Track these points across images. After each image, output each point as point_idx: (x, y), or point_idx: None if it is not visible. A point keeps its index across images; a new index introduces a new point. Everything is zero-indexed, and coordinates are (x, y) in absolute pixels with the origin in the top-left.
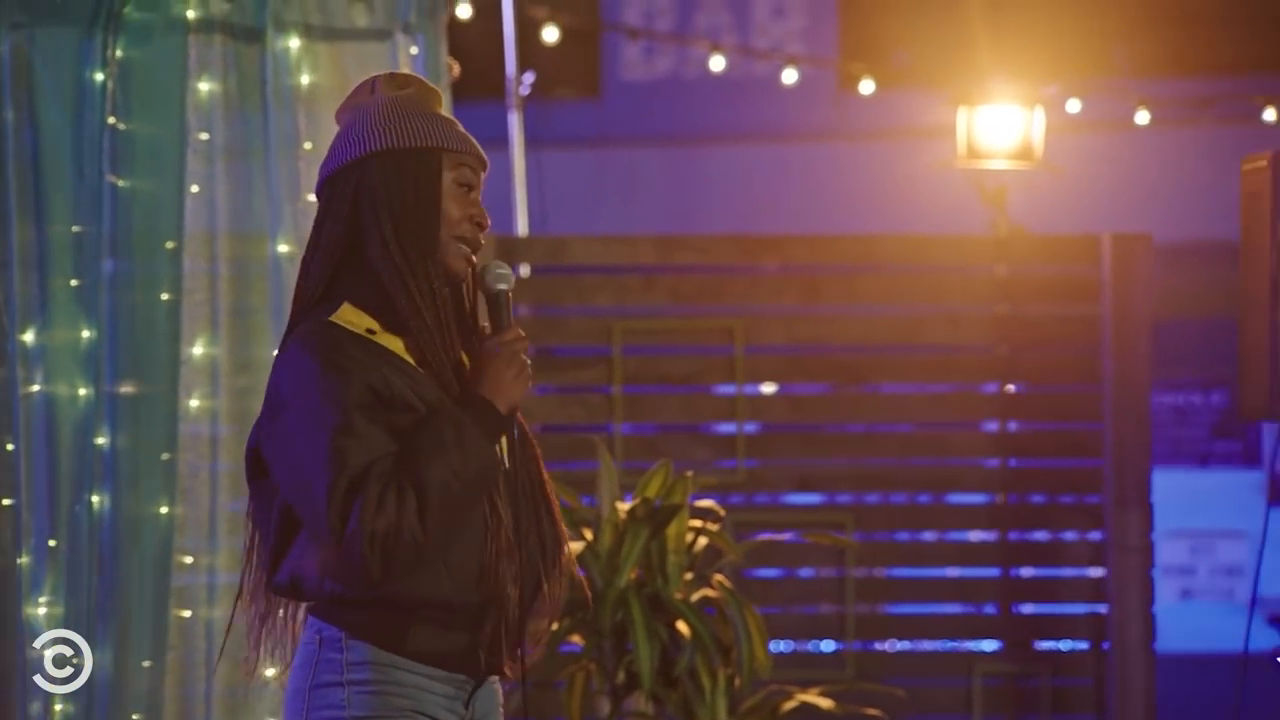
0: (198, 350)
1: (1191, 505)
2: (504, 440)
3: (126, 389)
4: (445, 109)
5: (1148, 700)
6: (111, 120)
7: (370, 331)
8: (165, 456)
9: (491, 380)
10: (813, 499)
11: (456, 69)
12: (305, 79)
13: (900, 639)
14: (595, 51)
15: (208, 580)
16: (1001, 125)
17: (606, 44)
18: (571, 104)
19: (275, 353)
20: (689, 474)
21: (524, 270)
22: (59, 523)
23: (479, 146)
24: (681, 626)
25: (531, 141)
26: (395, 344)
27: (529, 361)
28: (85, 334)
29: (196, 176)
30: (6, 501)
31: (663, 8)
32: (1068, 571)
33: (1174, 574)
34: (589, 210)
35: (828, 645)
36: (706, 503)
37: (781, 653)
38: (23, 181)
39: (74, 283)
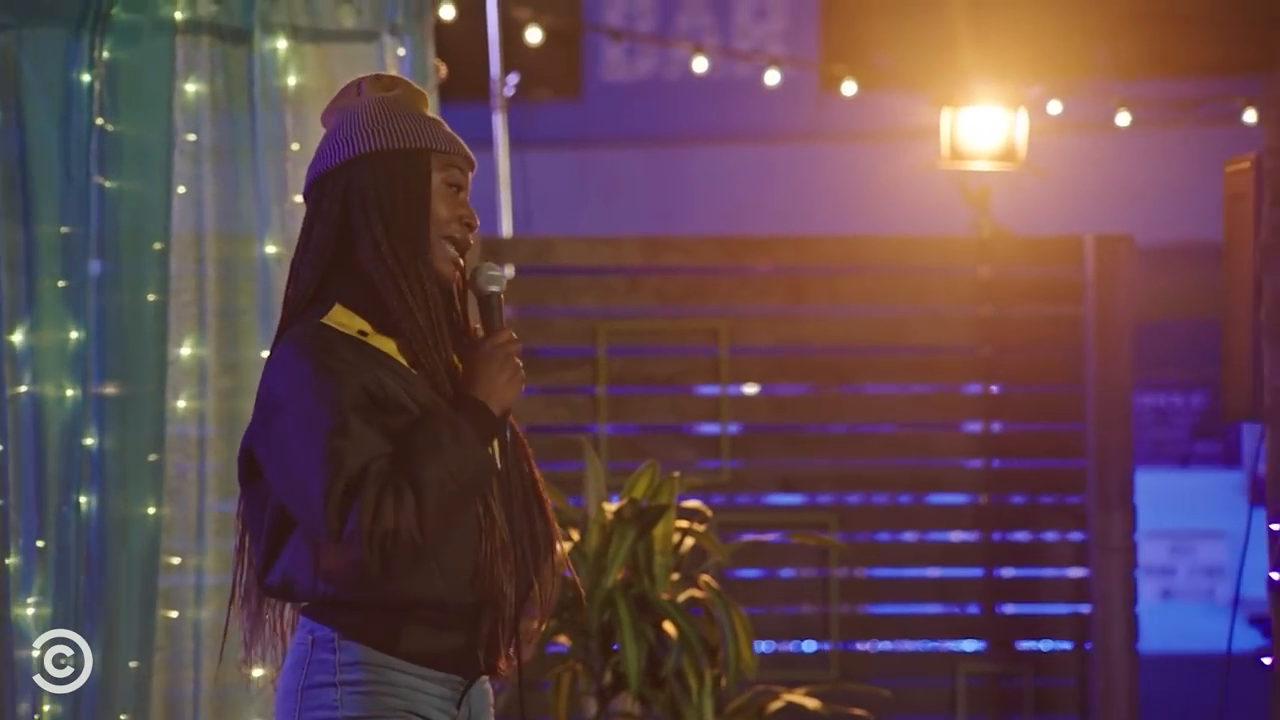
0: (185, 351)
1: (1172, 506)
2: (496, 441)
3: (114, 390)
4: (432, 110)
5: (1130, 700)
6: (99, 121)
7: (362, 333)
8: (153, 457)
9: (485, 382)
10: (795, 499)
11: (444, 70)
12: (292, 80)
13: (884, 639)
14: (577, 53)
15: (195, 581)
16: (985, 127)
17: (588, 45)
18: (553, 105)
19: (263, 354)
20: (676, 475)
21: (509, 271)
22: (47, 523)
23: (466, 147)
24: (668, 627)
25: (514, 142)
26: (387, 345)
27: (521, 364)
28: (73, 335)
29: (184, 177)
30: None
31: (644, 9)
32: (1051, 572)
33: (1154, 574)
34: (571, 211)
35: (808, 646)
36: (693, 503)
37: (765, 653)
38: (10, 182)
39: (61, 283)
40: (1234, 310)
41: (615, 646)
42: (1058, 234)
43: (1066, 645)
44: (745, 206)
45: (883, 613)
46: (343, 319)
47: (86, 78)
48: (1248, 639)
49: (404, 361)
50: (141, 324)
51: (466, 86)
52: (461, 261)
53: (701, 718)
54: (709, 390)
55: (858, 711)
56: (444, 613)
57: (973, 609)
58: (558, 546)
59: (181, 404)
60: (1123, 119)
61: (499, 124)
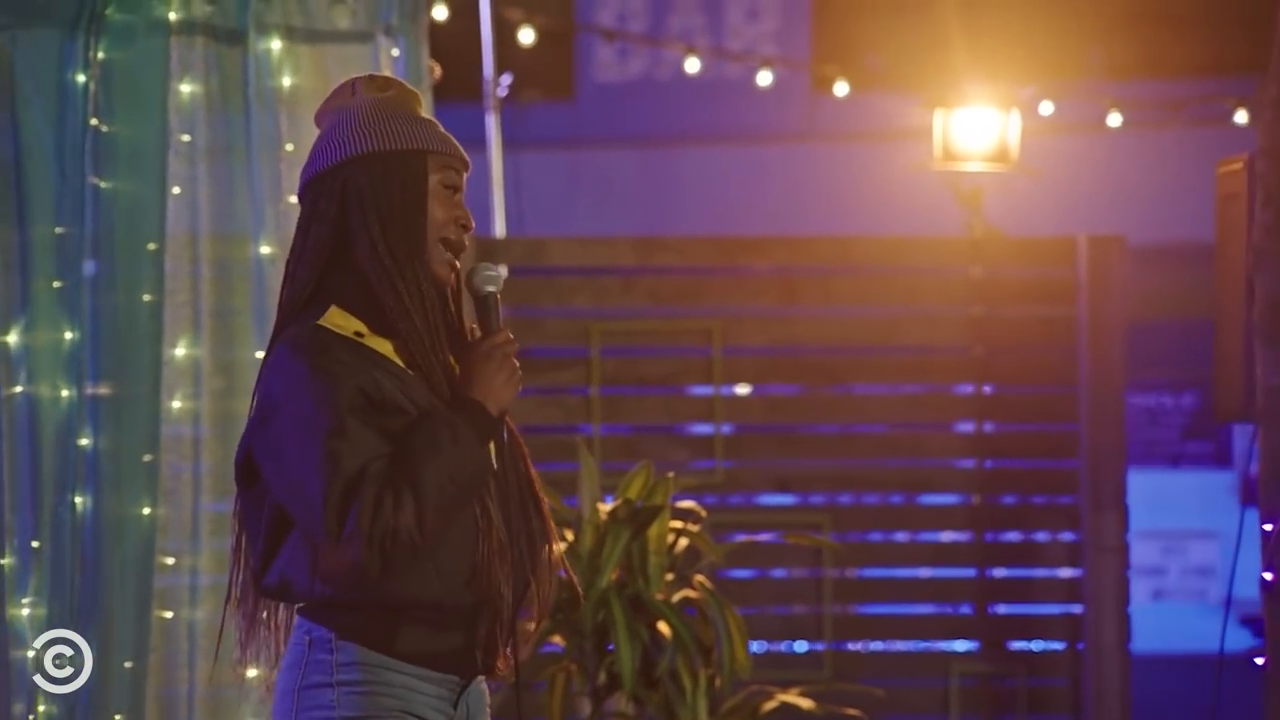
0: (180, 351)
1: (1163, 506)
2: (493, 441)
3: (108, 390)
4: (427, 111)
5: (1123, 701)
6: (93, 122)
7: (359, 334)
8: (147, 458)
9: (483, 383)
10: (787, 500)
11: (438, 71)
12: (287, 81)
13: (877, 639)
14: (569, 53)
15: (190, 581)
16: (977, 127)
17: (580, 46)
18: (546, 106)
19: (258, 355)
20: (670, 475)
21: (503, 271)
22: (42, 524)
23: (461, 149)
24: (663, 627)
25: (507, 143)
26: (384, 346)
27: (518, 365)
28: (68, 335)
29: (178, 178)
30: None
31: (636, 10)
32: (1043, 572)
33: (1146, 574)
34: (563, 212)
35: (801, 646)
36: (688, 504)
37: (758, 653)
38: (4, 183)
39: (56, 284)
40: (1226, 311)
41: (610, 647)
42: (1050, 235)
43: (1059, 645)
44: (737, 207)
45: (876, 613)
46: (339, 320)
47: (81, 78)
48: (1239, 639)
49: (400, 363)
50: (136, 324)
51: (458, 87)
52: (457, 263)
53: (696, 718)
54: (701, 390)
55: (851, 711)
56: (441, 613)
57: (966, 609)
58: (555, 545)
59: (176, 404)
60: (1114, 120)
61: (492, 125)
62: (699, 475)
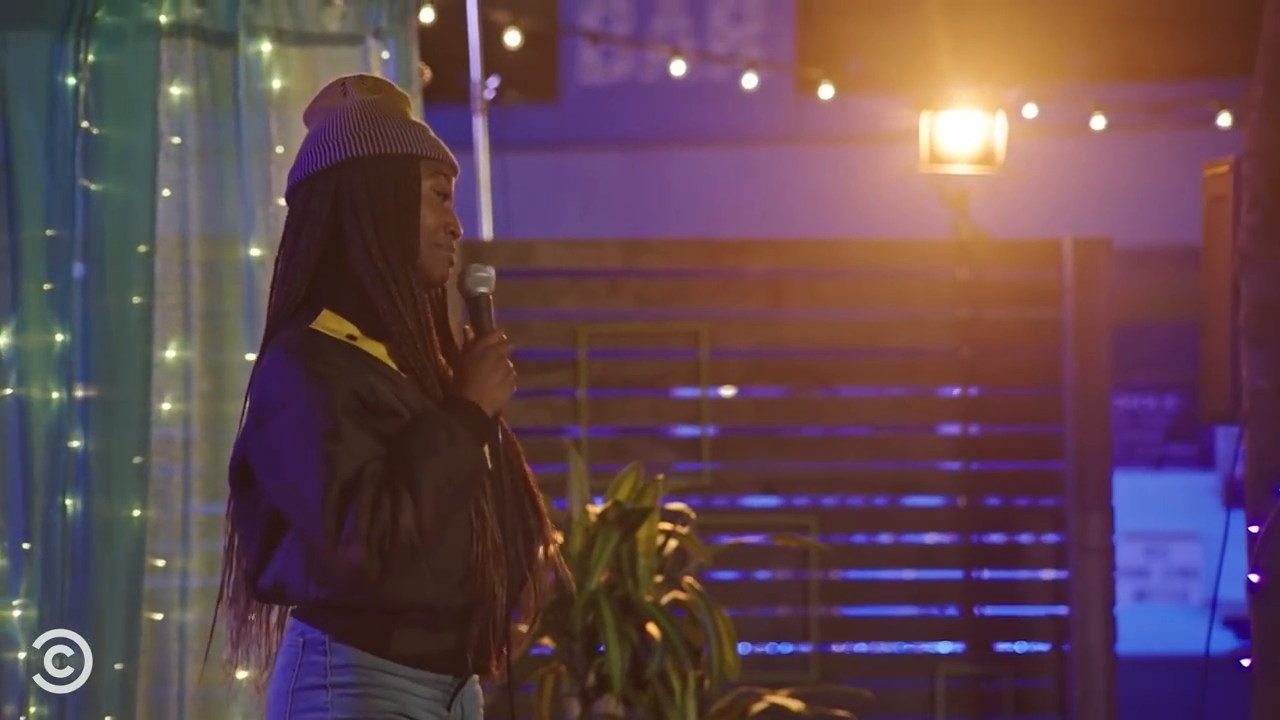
0: (170, 354)
1: (1146, 508)
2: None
3: (99, 392)
4: (416, 113)
5: (1109, 702)
6: (84, 124)
7: (351, 337)
8: (137, 460)
9: (477, 383)
10: (772, 502)
11: (428, 73)
12: (277, 83)
13: (864, 641)
14: (553, 56)
15: (180, 583)
16: (963, 130)
17: (564, 48)
18: (530, 108)
19: (248, 357)
20: (660, 477)
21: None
22: (33, 525)
23: (451, 154)
24: (652, 629)
25: (494, 145)
26: (377, 350)
27: (512, 365)
28: (58, 337)
29: (168, 180)
30: None
31: (620, 12)
32: (1029, 574)
33: (1129, 576)
34: (548, 214)
35: (787, 647)
36: (677, 506)
37: (744, 655)
38: None
39: (46, 286)
40: (1212, 313)
41: (599, 648)
42: (1036, 237)
43: (1045, 647)
44: (723, 209)
45: (862, 615)
46: (332, 324)
47: (71, 81)
48: (1223, 641)
49: (394, 366)
50: (126, 326)
51: (444, 89)
52: (453, 261)
53: (685, 719)
54: (687, 393)
55: (840, 713)
56: (435, 614)
57: (952, 611)
58: (551, 543)
59: (166, 406)
60: (1098, 123)
61: (479, 127)
62: (686, 477)
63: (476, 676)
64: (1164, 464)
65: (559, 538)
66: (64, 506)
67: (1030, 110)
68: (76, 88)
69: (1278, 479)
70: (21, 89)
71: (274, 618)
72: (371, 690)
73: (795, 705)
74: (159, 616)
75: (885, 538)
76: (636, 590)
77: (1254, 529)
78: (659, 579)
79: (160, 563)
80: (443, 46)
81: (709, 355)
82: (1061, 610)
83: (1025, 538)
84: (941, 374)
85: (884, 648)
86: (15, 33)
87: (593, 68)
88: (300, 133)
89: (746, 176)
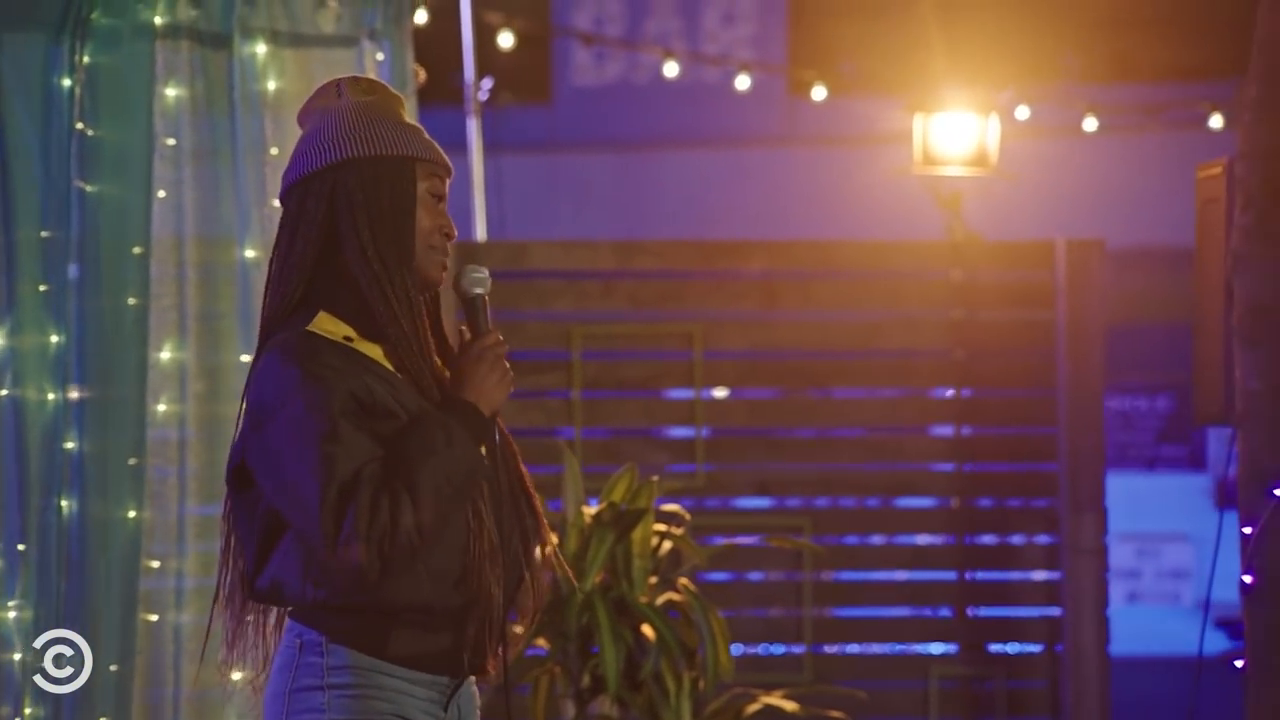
0: (165, 355)
1: (1138, 509)
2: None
3: (94, 393)
4: (411, 115)
5: (1102, 703)
6: (79, 126)
7: (348, 339)
8: (133, 461)
9: (475, 384)
10: (764, 503)
11: (422, 75)
12: (272, 84)
13: (857, 642)
14: (546, 57)
15: (175, 584)
16: (957, 132)
17: (557, 50)
18: (523, 109)
19: (243, 358)
20: (655, 479)
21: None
22: (29, 527)
23: (445, 156)
24: (646, 630)
25: (487, 147)
26: (374, 351)
27: (509, 365)
28: (53, 339)
29: (164, 181)
30: None
31: (613, 14)
32: (1022, 575)
33: (1121, 577)
34: (540, 216)
35: (777, 649)
36: (672, 507)
37: (738, 656)
38: None
39: (42, 287)
40: (1205, 314)
41: (594, 649)
42: (1030, 238)
43: (1038, 648)
44: (716, 211)
45: (856, 616)
46: (328, 325)
47: (67, 82)
48: (1215, 642)
49: (390, 367)
50: (122, 328)
51: (437, 90)
52: (446, 265)
53: None
54: (680, 394)
55: (834, 714)
56: (432, 616)
57: (945, 612)
58: (548, 542)
59: (161, 408)
60: (1090, 124)
61: (473, 128)
62: (680, 478)
63: (473, 678)
64: (1155, 465)
65: (553, 538)
66: (59, 508)
67: (1023, 112)
68: (71, 89)
69: (1271, 480)
70: (16, 90)
71: (271, 619)
72: (368, 691)
73: (790, 706)
74: (154, 617)
75: (879, 539)
76: (631, 591)
77: (1247, 530)
78: (654, 580)
79: (155, 564)
80: (436, 48)
81: (703, 356)
82: (1054, 611)
83: (1018, 539)
84: (935, 375)
85: (877, 649)
86: (10, 34)
87: (585, 69)
88: (295, 134)
89: (740, 178)
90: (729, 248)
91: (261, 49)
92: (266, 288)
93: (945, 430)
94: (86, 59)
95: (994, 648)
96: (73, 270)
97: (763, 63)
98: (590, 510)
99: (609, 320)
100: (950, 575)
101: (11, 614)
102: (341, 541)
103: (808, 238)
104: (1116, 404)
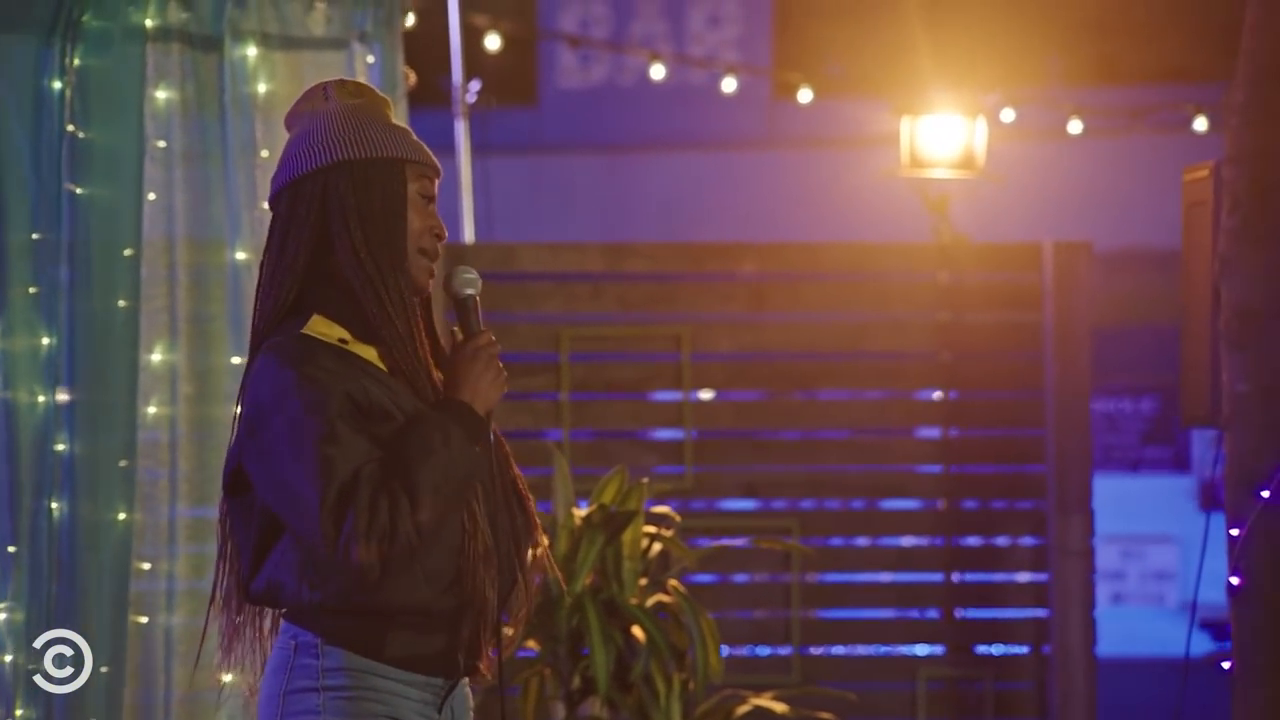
0: (156, 357)
1: (1123, 511)
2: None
3: (85, 396)
4: (402, 117)
5: (1089, 704)
6: (70, 128)
7: (343, 341)
8: (123, 463)
9: (469, 384)
10: (750, 504)
11: (413, 77)
12: (262, 87)
13: (845, 644)
14: (532, 59)
15: (166, 586)
16: (944, 135)
17: (543, 52)
18: (508, 112)
19: (234, 360)
20: (645, 480)
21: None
22: (20, 529)
23: (434, 157)
24: (636, 632)
25: (474, 149)
26: (368, 353)
27: (503, 366)
28: (44, 341)
29: (154, 184)
30: None
31: (599, 16)
32: (1009, 576)
33: (1105, 579)
34: (526, 218)
35: (763, 650)
36: (662, 509)
37: (725, 657)
38: None
39: (32, 290)
40: (1192, 317)
41: (584, 651)
42: (1017, 240)
43: (1025, 649)
44: (702, 213)
45: (843, 617)
46: (322, 328)
47: (57, 85)
48: (1199, 643)
49: (384, 369)
50: (112, 330)
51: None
52: (434, 271)
53: None
54: (668, 396)
55: (823, 715)
56: (428, 617)
57: (933, 613)
58: (540, 543)
59: (152, 410)
60: (1075, 127)
61: (461, 131)
62: (668, 480)
63: (466, 679)
64: (1140, 467)
65: (545, 540)
66: (50, 510)
67: (1008, 114)
68: (62, 92)
69: (1258, 482)
70: (7, 93)
71: (265, 622)
72: (364, 693)
73: (779, 708)
74: (144, 620)
75: (867, 540)
76: (621, 593)
77: (1235, 532)
78: (643, 582)
79: (146, 566)
80: (422, 50)
81: (691, 358)
82: (1041, 613)
83: (1005, 540)
84: (922, 377)
85: (865, 650)
86: (1, 36)
87: (571, 71)
88: (285, 137)
89: (726, 180)
90: (718, 250)
91: (252, 52)
92: (258, 292)
93: (932, 432)
94: (77, 61)
95: (981, 649)
96: (63, 272)
97: (748, 65)
98: (580, 512)
99: (597, 322)
100: (937, 577)
101: (2, 616)
102: (342, 543)
103: (795, 240)
104: (1101, 406)
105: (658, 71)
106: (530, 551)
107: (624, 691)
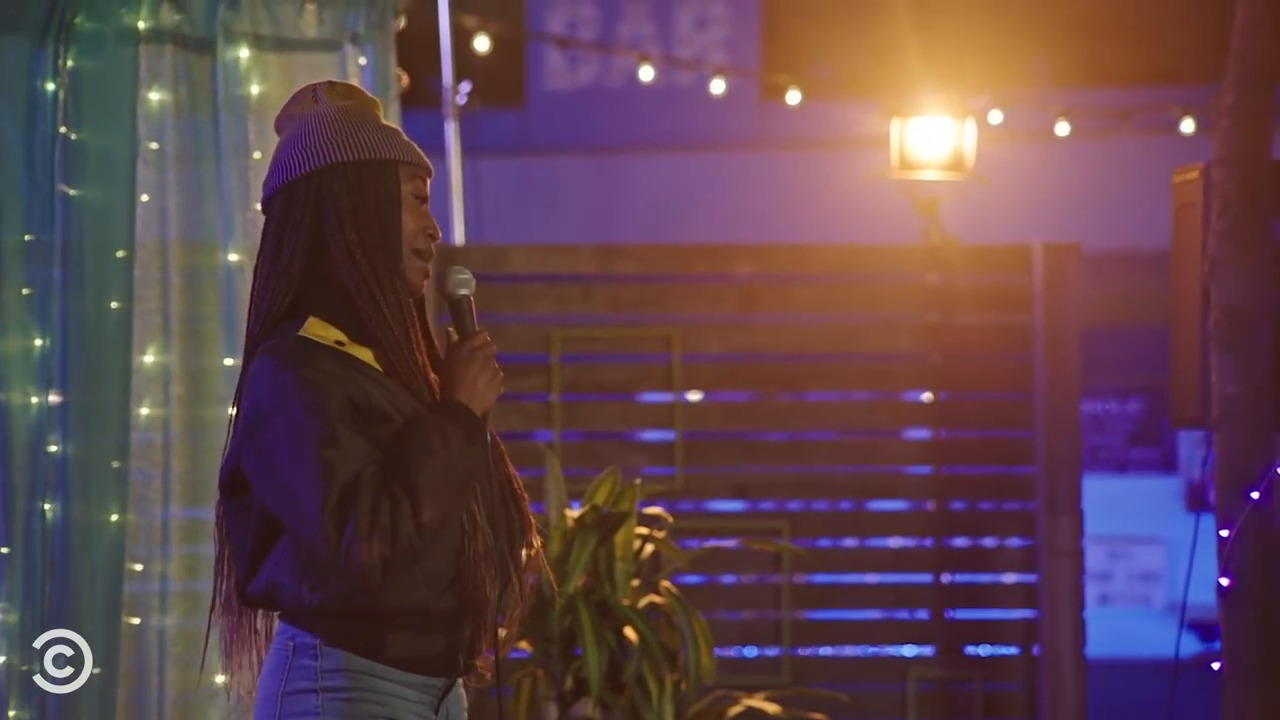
0: (149, 358)
1: (1109, 512)
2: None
3: (77, 397)
4: (394, 119)
5: (1078, 704)
6: (62, 129)
7: (340, 343)
8: (116, 464)
9: (466, 384)
10: (739, 506)
11: (405, 79)
12: (255, 89)
13: (835, 645)
14: (519, 61)
15: (159, 588)
16: (933, 136)
17: (531, 53)
18: (497, 113)
19: (226, 361)
20: (637, 482)
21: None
22: (14, 530)
23: (426, 158)
24: (629, 632)
25: (464, 151)
26: (365, 355)
27: (499, 366)
28: (37, 342)
29: (147, 185)
30: None
31: (586, 18)
32: (999, 577)
33: (1092, 579)
34: (514, 219)
35: (753, 651)
36: (654, 510)
37: (716, 658)
38: None
39: (25, 291)
40: (1182, 318)
41: (577, 652)
42: (1006, 242)
43: (1015, 650)
44: (691, 215)
45: (834, 618)
46: (319, 330)
47: (50, 86)
48: (1186, 644)
49: (381, 370)
50: (105, 331)
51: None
52: (429, 272)
53: None
54: (658, 397)
55: (815, 716)
56: (428, 618)
57: (922, 614)
58: (535, 542)
59: (145, 411)
60: (1062, 129)
61: (451, 132)
62: (659, 481)
63: (461, 680)
64: (1127, 468)
65: (539, 541)
66: (43, 511)
67: (996, 116)
68: (55, 93)
69: (1248, 483)
70: (0, 94)
71: (262, 623)
72: (362, 695)
73: (772, 709)
74: (137, 621)
75: (856, 541)
76: (614, 594)
77: (1224, 533)
78: (636, 583)
79: (139, 567)
80: (411, 51)
81: (681, 360)
82: (1031, 614)
83: (994, 541)
84: (912, 379)
85: (855, 651)
86: None
87: (559, 73)
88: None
89: (714, 182)
90: (708, 252)
91: (244, 53)
92: (253, 295)
93: (922, 433)
94: (70, 63)
95: (971, 650)
96: (56, 274)
97: (737, 67)
98: (572, 513)
99: (588, 324)
100: (927, 578)
101: None
102: (344, 545)
103: (784, 242)
104: (1088, 407)
105: (646, 73)
106: (525, 552)
107: (616, 692)
